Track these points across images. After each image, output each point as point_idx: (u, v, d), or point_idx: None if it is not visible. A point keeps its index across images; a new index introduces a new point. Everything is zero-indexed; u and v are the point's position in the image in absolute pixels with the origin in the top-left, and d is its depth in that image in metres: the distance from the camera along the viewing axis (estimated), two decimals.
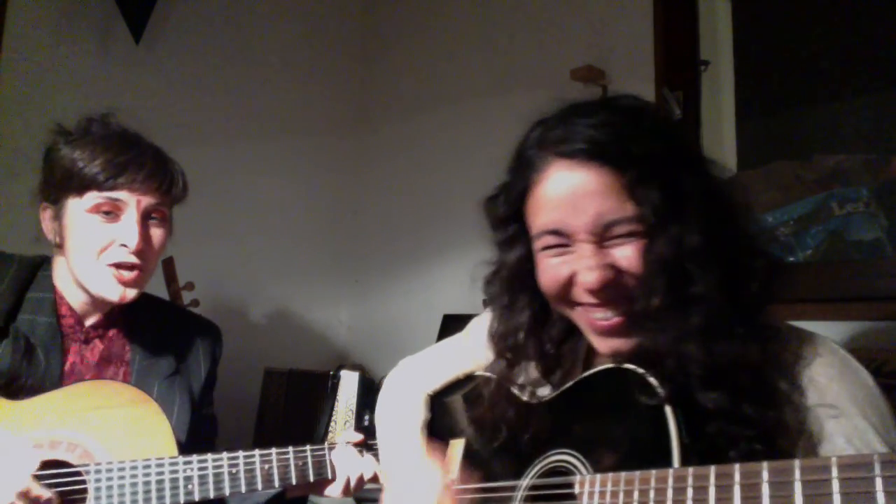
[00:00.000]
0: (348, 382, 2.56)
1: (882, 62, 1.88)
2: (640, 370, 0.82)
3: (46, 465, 1.16)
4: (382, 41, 3.32)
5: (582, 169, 0.87)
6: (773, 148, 2.07)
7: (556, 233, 0.89)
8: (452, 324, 2.56)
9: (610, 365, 0.89)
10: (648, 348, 0.86)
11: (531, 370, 1.04)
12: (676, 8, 2.21)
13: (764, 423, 0.81)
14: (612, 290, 0.86)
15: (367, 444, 1.39)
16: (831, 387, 0.83)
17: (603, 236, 0.86)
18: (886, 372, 1.53)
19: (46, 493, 1.10)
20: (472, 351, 1.23)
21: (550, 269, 0.92)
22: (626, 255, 0.86)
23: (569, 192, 0.87)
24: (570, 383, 0.95)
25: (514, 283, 0.99)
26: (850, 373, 0.85)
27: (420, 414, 1.22)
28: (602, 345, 0.91)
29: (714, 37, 2.23)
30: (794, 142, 2.03)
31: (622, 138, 0.87)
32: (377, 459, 1.36)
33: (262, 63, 3.02)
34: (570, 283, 0.90)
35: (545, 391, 1.02)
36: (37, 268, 1.38)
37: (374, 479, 1.36)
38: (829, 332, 0.94)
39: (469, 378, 1.21)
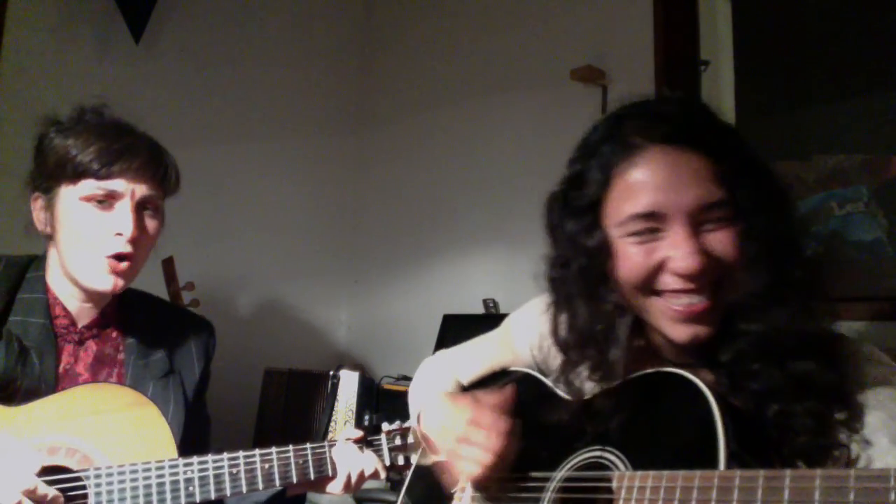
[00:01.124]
0: (348, 382, 2.57)
1: (882, 62, 1.89)
2: (692, 376, 0.82)
3: (45, 470, 1.15)
4: (382, 41, 3.32)
5: (679, 152, 0.88)
6: (773, 148, 2.07)
7: (650, 216, 0.88)
8: (452, 324, 2.56)
9: (661, 369, 0.89)
10: (728, 333, 0.87)
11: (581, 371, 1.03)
12: (676, 8, 2.21)
13: (826, 415, 0.82)
14: (703, 275, 0.86)
15: (367, 440, 1.38)
16: (877, 388, 0.84)
17: (698, 220, 0.87)
18: None
19: (52, 492, 1.10)
20: (512, 346, 1.20)
21: (636, 256, 0.90)
22: (720, 240, 0.87)
23: (668, 173, 0.87)
24: (615, 383, 0.94)
25: (590, 275, 0.95)
26: (895, 375, 0.86)
27: (451, 389, 1.20)
28: (681, 332, 0.89)
29: (714, 37, 2.23)
30: (794, 142, 2.03)
31: (715, 128, 0.91)
32: (377, 456, 1.36)
33: (262, 63, 3.02)
34: (657, 269, 0.89)
35: (585, 389, 1.01)
36: (25, 268, 1.35)
37: (375, 475, 1.36)
38: None
39: (504, 372, 1.18)
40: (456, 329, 2.50)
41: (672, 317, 0.89)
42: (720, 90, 2.21)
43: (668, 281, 0.88)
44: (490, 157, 2.72)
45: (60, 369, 1.31)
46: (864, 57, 1.92)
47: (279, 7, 3.10)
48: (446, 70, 2.97)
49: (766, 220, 0.86)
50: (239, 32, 2.96)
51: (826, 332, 0.88)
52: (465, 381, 1.22)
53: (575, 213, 0.96)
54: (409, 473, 1.29)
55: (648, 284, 0.90)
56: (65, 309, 1.34)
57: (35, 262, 1.37)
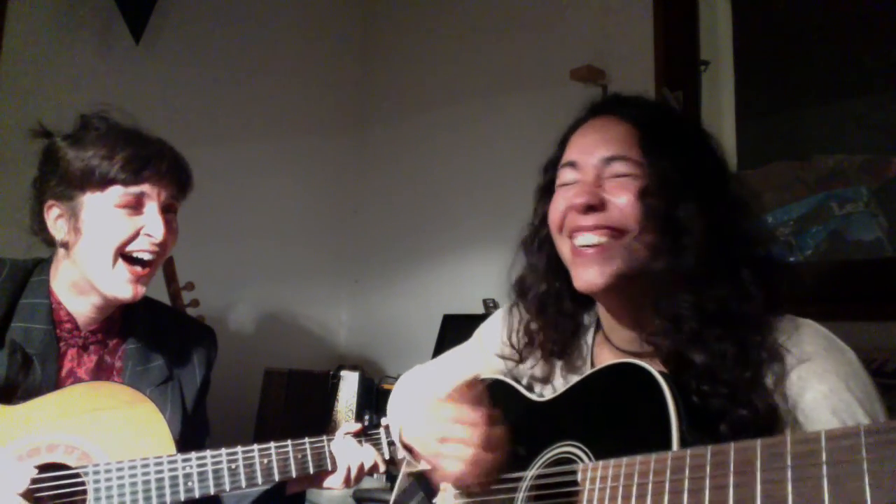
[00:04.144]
0: (348, 382, 2.56)
1: (881, 62, 1.89)
2: (646, 365, 0.87)
3: (45, 468, 1.15)
4: (382, 41, 3.33)
5: (606, 120, 1.04)
6: (773, 148, 2.07)
7: (571, 165, 1.03)
8: (452, 324, 2.56)
9: (615, 360, 0.95)
10: (624, 283, 0.96)
11: (538, 366, 1.11)
12: (676, 8, 2.21)
13: (741, 386, 0.88)
14: (598, 216, 0.98)
15: (366, 433, 1.38)
16: (817, 362, 0.89)
17: (605, 171, 0.99)
18: (886, 372, 1.53)
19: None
20: (481, 355, 1.25)
21: (557, 200, 1.04)
22: (616, 189, 0.98)
23: (590, 133, 1.04)
24: (576, 380, 1.00)
25: (541, 228, 1.10)
26: (836, 350, 0.90)
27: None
28: (580, 276, 0.99)
29: (714, 37, 2.23)
30: (794, 142, 2.03)
31: (645, 103, 1.07)
32: (376, 449, 1.36)
33: (261, 63, 3.02)
34: (568, 210, 1.01)
35: (549, 390, 1.08)
36: (29, 273, 1.35)
37: (374, 468, 1.36)
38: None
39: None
40: (456, 329, 2.50)
41: (574, 260, 1.01)
42: (720, 90, 2.21)
43: (571, 220, 1.01)
44: (490, 157, 2.72)
45: (63, 373, 1.32)
46: (863, 57, 1.92)
47: (279, 7, 3.10)
48: (446, 70, 2.97)
49: (674, 187, 0.95)
50: (239, 32, 2.95)
51: (753, 309, 0.93)
52: (442, 393, 1.24)
53: (544, 172, 1.14)
54: (395, 487, 1.29)
55: (562, 225, 1.03)
56: (69, 314, 1.34)
57: (39, 267, 1.37)
